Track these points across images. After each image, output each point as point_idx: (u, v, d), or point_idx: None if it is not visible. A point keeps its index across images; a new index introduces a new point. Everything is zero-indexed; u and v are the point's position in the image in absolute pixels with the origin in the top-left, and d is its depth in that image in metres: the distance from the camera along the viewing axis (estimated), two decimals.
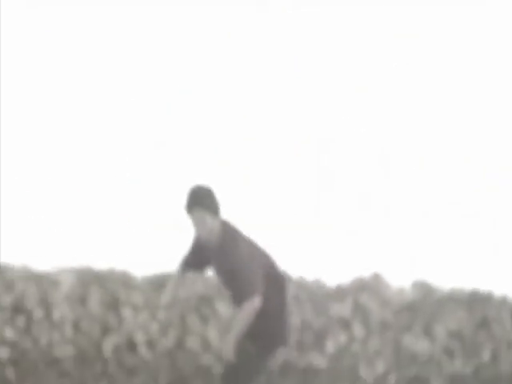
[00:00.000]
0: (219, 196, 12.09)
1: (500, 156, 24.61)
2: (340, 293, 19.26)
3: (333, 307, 19.34)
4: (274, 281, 8.37)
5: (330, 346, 19.07)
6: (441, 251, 21.45)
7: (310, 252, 21.33)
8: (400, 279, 19.73)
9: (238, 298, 8.02)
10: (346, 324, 19.20)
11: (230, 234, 8.20)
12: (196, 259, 8.42)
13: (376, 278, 19.41)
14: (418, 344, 19.25)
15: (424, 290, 19.38)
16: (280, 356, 9.66)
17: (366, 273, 19.50)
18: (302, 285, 19.49)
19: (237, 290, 8.16)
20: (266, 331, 8.33)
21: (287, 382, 19.38)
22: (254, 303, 8.07)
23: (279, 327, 8.42)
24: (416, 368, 19.16)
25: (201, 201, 8.18)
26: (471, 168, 23.74)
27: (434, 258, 21.25)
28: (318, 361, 19.10)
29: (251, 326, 8.36)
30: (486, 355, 19.03)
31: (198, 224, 8.25)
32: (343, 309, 19.22)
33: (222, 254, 8.17)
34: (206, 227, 8.16)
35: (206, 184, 8.41)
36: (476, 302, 19.51)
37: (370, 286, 19.48)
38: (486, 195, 23.09)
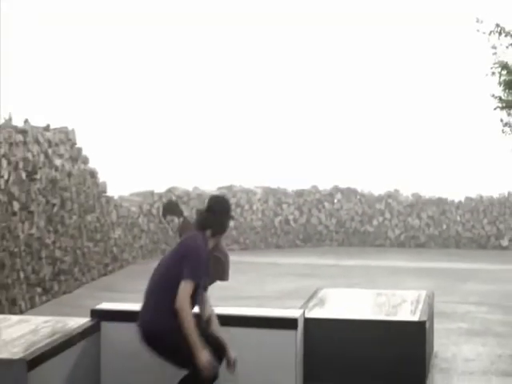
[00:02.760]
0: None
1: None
2: (379, 197, 21.09)
3: (375, 205, 21.02)
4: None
5: (375, 221, 21.03)
6: (425, 176, 22.26)
7: (365, 176, 22.03)
8: (406, 191, 21.25)
9: None
10: (381, 212, 21.03)
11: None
12: None
13: (396, 191, 21.10)
14: (413, 222, 20.84)
15: (417, 197, 20.99)
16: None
17: (390, 188, 21.22)
18: (361, 194, 21.03)
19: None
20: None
21: (355, 237, 20.84)
22: None
23: (218, 268, 9.10)
24: (413, 232, 20.85)
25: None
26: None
27: (421, 180, 22.06)
28: (369, 228, 20.99)
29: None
30: (444, 226, 20.77)
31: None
32: (380, 205, 21.02)
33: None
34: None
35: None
36: (440, 202, 20.87)
37: (393, 195, 21.07)
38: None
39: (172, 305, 5.93)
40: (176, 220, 9.52)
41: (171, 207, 9.52)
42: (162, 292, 6.04)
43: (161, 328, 6.06)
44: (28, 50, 20.83)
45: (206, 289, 5.90)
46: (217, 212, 5.70)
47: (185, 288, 5.65)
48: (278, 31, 23.15)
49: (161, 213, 9.67)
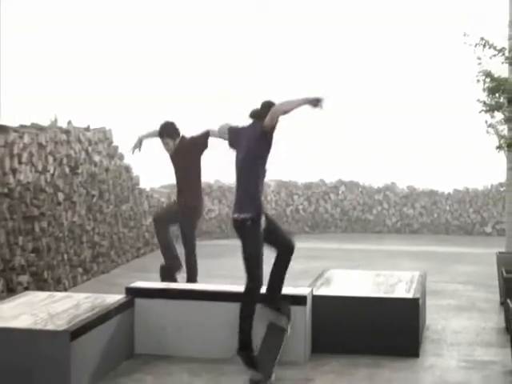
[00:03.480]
0: None
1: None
2: (378, 189, 20.67)
3: (375, 196, 20.58)
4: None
5: (374, 210, 20.56)
6: (419, 171, 21.34)
7: (366, 170, 20.94)
8: (402, 184, 20.86)
9: (183, 173, 8.42)
10: (380, 202, 20.58)
11: (180, 143, 8.56)
12: None
13: (392, 184, 20.70)
14: (408, 211, 20.38)
15: (411, 189, 20.60)
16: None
17: (388, 181, 20.85)
18: (362, 186, 20.66)
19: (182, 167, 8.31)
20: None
21: (357, 224, 20.32)
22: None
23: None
24: (408, 220, 20.37)
25: (166, 131, 8.48)
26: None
27: (415, 174, 20.93)
28: (369, 217, 20.51)
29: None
30: (435, 215, 20.29)
31: (165, 145, 8.54)
32: (379, 196, 20.60)
33: (177, 152, 8.58)
34: (169, 146, 8.52)
35: (169, 119, 8.44)
36: (431, 194, 20.46)
37: (390, 187, 20.69)
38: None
39: (258, 191, 6.27)
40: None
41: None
42: (246, 180, 6.36)
43: (243, 214, 6.25)
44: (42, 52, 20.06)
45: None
46: (268, 107, 6.42)
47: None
48: (279, 31, 22.39)
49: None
